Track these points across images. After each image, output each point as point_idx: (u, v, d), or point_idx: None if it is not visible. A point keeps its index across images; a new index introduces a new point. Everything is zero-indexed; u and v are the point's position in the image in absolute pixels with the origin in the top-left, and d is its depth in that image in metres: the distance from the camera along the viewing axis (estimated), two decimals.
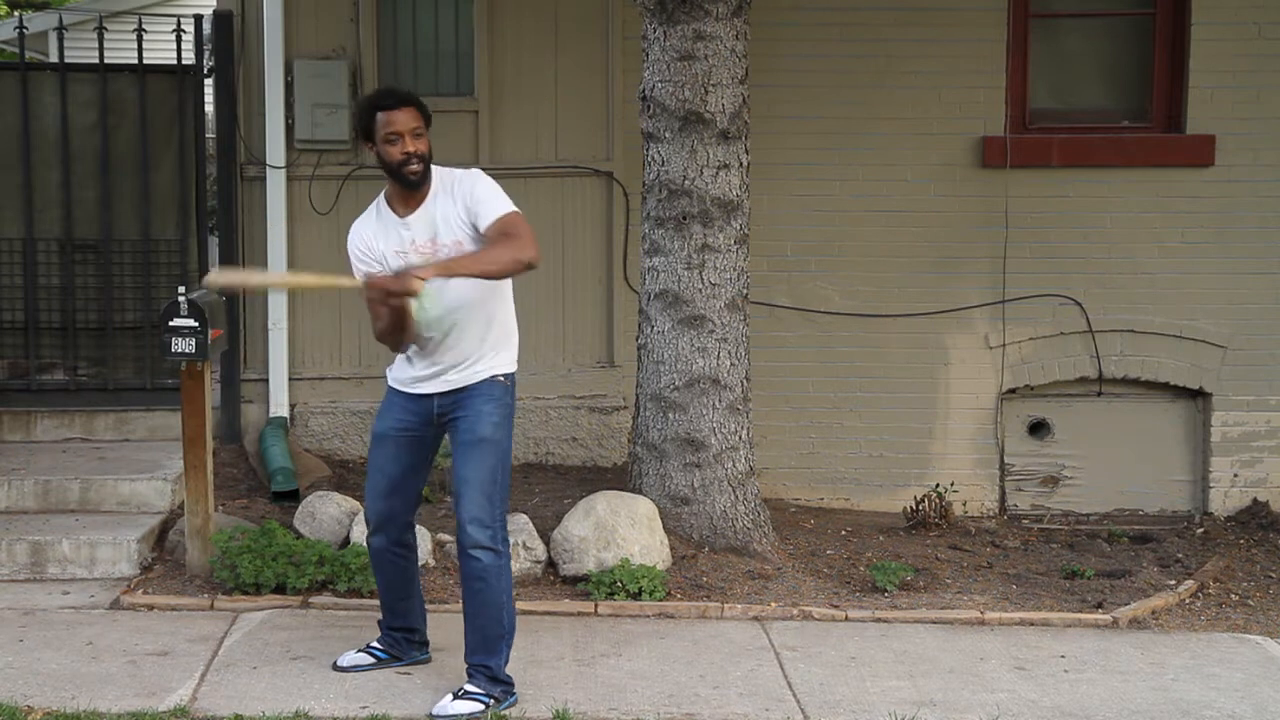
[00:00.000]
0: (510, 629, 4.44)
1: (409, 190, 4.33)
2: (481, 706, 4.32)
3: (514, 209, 4.26)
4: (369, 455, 4.65)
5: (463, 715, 4.29)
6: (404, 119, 4.29)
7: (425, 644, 4.77)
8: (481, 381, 4.36)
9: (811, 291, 7.26)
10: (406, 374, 4.46)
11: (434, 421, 4.45)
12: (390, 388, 4.54)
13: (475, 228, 4.26)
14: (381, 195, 4.45)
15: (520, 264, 4.14)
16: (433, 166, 4.35)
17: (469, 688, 4.37)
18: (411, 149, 4.27)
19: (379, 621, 4.78)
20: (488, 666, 4.39)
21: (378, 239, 4.37)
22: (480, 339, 4.37)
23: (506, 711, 4.34)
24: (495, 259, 4.13)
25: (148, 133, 7.06)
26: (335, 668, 4.68)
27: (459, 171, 4.39)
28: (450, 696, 4.35)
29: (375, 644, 4.75)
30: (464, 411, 4.36)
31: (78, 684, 4.50)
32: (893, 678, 4.79)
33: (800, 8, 7.09)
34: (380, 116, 4.29)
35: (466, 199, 4.29)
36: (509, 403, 4.40)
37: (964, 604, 5.59)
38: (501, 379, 4.39)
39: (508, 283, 4.39)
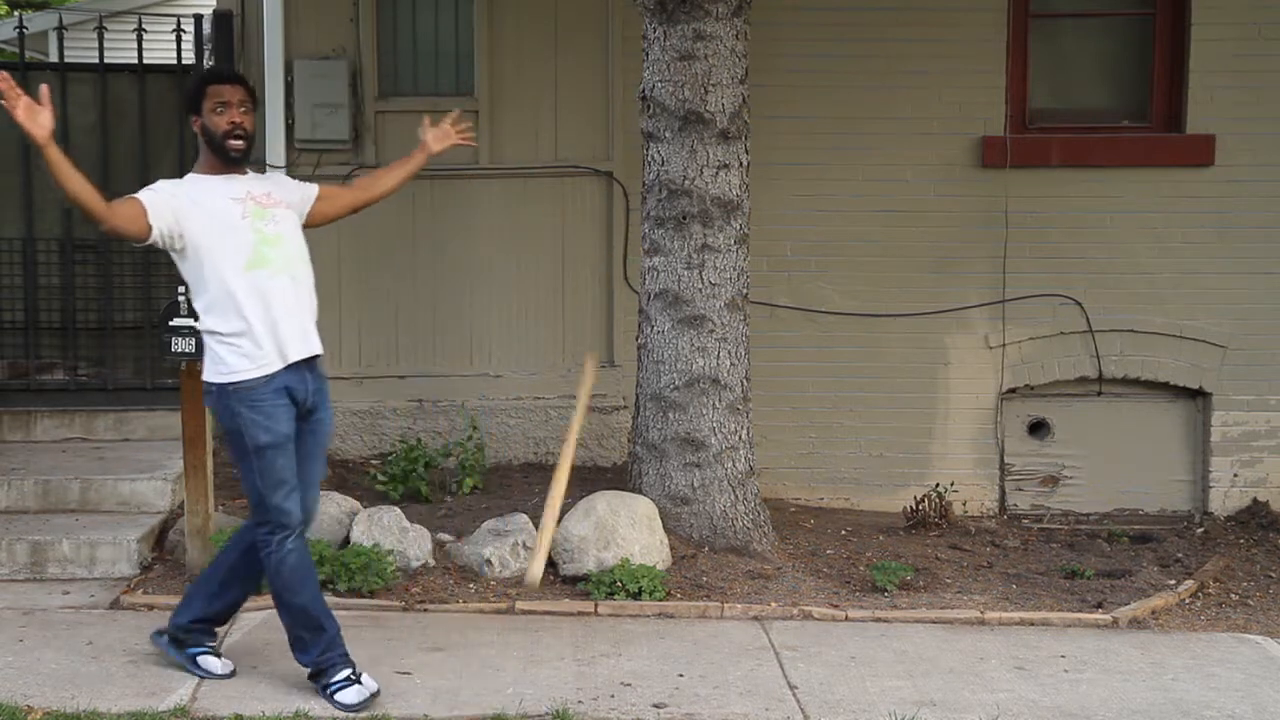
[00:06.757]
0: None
1: (230, 166, 4.37)
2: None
3: None
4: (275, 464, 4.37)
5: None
6: (234, 92, 4.36)
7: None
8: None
9: (811, 291, 7.26)
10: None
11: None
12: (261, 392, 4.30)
13: (308, 199, 4.53)
14: (190, 174, 4.42)
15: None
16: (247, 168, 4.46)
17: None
18: (239, 120, 4.32)
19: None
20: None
21: (204, 194, 4.31)
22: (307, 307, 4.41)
23: (513, 713, 4.34)
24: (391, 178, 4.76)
25: (148, 133, 7.06)
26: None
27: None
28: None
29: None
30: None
31: (78, 684, 4.50)
32: (893, 677, 4.79)
33: (800, 8, 7.09)
34: (210, 88, 4.36)
35: (295, 188, 4.53)
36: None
37: (964, 604, 5.59)
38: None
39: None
